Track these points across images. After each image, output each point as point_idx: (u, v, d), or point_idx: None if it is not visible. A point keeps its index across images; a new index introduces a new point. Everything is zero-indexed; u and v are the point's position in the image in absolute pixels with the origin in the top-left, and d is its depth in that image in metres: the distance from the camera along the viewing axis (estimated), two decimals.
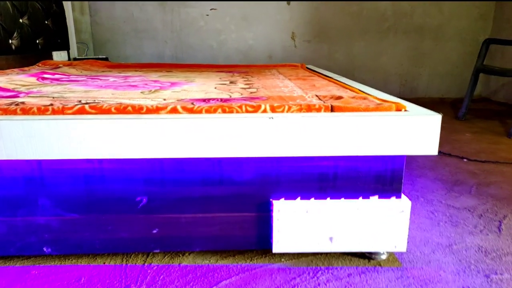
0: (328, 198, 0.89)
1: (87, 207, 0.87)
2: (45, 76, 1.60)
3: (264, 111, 0.84)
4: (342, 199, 0.88)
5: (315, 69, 2.06)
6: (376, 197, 0.89)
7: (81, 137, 0.78)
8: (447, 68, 3.38)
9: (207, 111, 0.83)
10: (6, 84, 1.34)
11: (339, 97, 0.99)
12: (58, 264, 0.91)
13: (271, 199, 0.88)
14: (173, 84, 1.43)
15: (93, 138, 0.78)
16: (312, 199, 0.88)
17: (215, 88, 1.30)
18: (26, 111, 0.82)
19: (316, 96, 1.02)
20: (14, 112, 0.82)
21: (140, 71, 2.04)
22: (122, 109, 0.83)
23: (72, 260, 0.93)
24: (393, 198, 0.89)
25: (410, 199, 1.16)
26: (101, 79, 1.58)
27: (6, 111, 0.82)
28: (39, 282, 0.85)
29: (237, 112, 0.83)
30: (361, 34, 3.27)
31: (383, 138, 0.80)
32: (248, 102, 0.91)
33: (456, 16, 3.24)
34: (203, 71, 2.07)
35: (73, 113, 0.82)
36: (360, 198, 0.89)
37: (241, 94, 1.14)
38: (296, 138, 0.80)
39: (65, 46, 2.58)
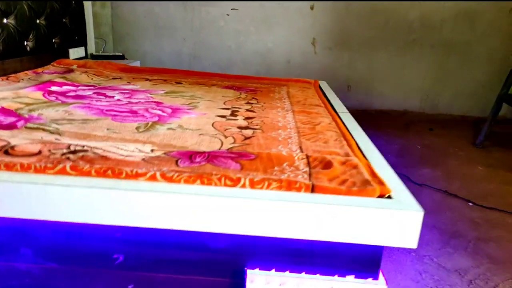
0: (304, 273, 0.88)
1: (66, 258, 0.89)
2: (52, 89, 1.62)
3: (243, 186, 0.83)
4: (318, 275, 0.87)
5: (326, 94, 2.01)
6: (352, 276, 0.88)
7: (59, 201, 0.79)
8: (472, 87, 3.24)
9: (186, 181, 0.83)
10: (10, 102, 1.37)
11: (328, 164, 0.97)
12: None
13: (245, 268, 0.88)
14: (174, 111, 1.42)
15: (70, 203, 0.79)
16: (287, 272, 0.88)
17: (212, 125, 1.28)
18: (10, 167, 0.83)
19: (306, 159, 1.00)
20: (4, 166, 0.84)
21: (150, 80, 2.04)
22: (102, 173, 0.83)
23: None
24: (370, 279, 0.87)
25: (401, 254, 1.14)
26: (106, 96, 1.59)
27: None
28: None
29: (216, 184, 0.82)
30: (384, 45, 3.16)
31: (359, 228, 0.78)
32: (231, 167, 0.90)
33: (488, 34, 3.07)
34: (213, 84, 2.05)
35: (54, 173, 0.83)
36: (336, 276, 0.87)
37: (234, 141, 1.13)
38: (271, 219, 0.79)
39: (83, 43, 2.60)
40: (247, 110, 1.52)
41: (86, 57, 2.67)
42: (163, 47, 3.21)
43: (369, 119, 3.23)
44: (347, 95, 3.28)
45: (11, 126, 1.14)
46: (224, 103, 1.61)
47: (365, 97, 3.31)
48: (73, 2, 2.43)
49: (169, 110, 1.44)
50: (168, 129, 1.21)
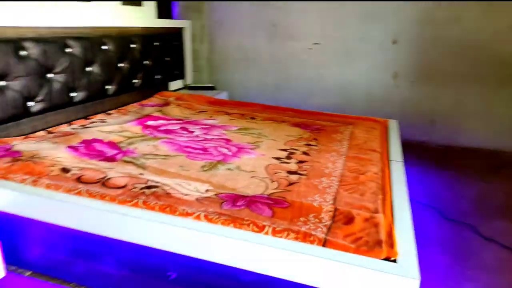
0: None
1: (135, 268, 1.17)
2: (149, 123, 1.99)
3: (266, 233, 1.00)
4: None
5: (390, 137, 2.04)
6: None
7: (131, 227, 1.06)
8: None
9: (223, 223, 1.03)
10: (116, 136, 1.75)
11: (351, 219, 1.09)
12: None
13: None
14: (238, 151, 1.65)
15: (138, 230, 1.06)
16: None
17: (266, 167, 1.48)
18: (103, 197, 1.14)
19: (332, 212, 1.13)
20: (95, 196, 1.15)
21: (229, 114, 2.32)
22: (163, 209, 1.09)
23: None
24: None
25: None
26: (188, 131, 1.90)
27: (90, 194, 1.16)
28: None
29: (245, 229, 1.02)
30: (474, 78, 3.00)
31: (357, 285, 0.89)
32: (263, 213, 1.08)
33: None
34: (283, 120, 2.24)
35: (131, 205, 1.11)
36: None
37: (278, 186, 1.31)
38: (282, 264, 0.95)
39: (181, 76, 3.04)
40: (303, 152, 1.68)
41: (184, 87, 3.11)
42: (250, 77, 3.53)
43: (453, 157, 3.07)
44: (430, 130, 3.18)
45: (112, 159, 1.49)
46: (284, 144, 1.79)
47: (451, 133, 3.16)
48: (175, 42, 2.88)
49: (235, 149, 1.67)
50: (227, 169, 1.44)
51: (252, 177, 1.38)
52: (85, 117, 2.01)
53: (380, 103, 3.24)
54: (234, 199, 1.18)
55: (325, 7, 3.16)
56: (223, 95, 3.05)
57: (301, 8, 3.22)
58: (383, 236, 1.01)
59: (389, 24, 3.06)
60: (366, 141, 1.90)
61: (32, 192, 1.17)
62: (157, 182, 1.26)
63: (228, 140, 1.79)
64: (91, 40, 1.99)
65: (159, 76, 2.70)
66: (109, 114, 2.14)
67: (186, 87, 3.09)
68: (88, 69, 1.99)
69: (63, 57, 1.82)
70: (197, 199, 1.16)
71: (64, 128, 1.82)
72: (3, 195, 1.18)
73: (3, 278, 1.29)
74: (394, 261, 0.92)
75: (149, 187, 1.22)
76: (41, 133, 1.72)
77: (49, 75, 1.75)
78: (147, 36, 2.48)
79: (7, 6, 1.57)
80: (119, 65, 2.24)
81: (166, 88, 2.84)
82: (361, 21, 3.11)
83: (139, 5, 2.42)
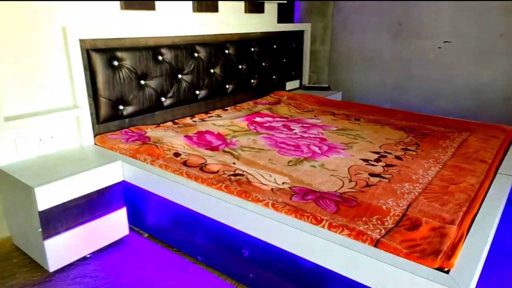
0: None
1: (218, 243, 1.37)
2: (256, 119, 2.20)
3: (323, 226, 1.07)
4: None
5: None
6: None
7: (215, 207, 1.26)
8: None
9: (286, 213, 1.14)
10: (224, 129, 2.00)
11: (417, 226, 1.06)
12: (203, 268, 1.48)
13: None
14: (328, 150, 1.71)
15: (219, 210, 1.25)
16: None
17: (349, 168, 1.51)
18: (196, 179, 1.37)
19: (400, 217, 1.11)
20: (191, 177, 1.39)
21: (335, 114, 2.36)
22: (239, 194, 1.25)
23: (208, 269, 1.47)
24: None
25: None
26: (289, 129, 2.03)
27: (189, 176, 1.40)
28: (191, 278, 1.43)
29: (304, 220, 1.10)
30: None
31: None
32: (327, 209, 1.15)
33: None
34: (389, 123, 2.18)
35: (216, 188, 1.31)
36: None
37: (354, 186, 1.34)
38: (334, 256, 1.00)
39: (298, 76, 3.18)
40: (396, 156, 1.64)
41: (300, 87, 3.25)
42: (370, 77, 3.44)
43: None
44: None
45: (215, 148, 1.73)
46: (380, 147, 1.77)
47: None
48: (294, 45, 3.04)
49: (325, 148, 1.74)
50: (311, 166, 1.53)
51: (332, 175, 1.44)
52: (206, 112, 2.33)
53: None
54: (305, 193, 1.27)
55: (459, 2, 2.88)
56: (336, 96, 3.08)
57: (431, 4, 3.00)
58: (445, 247, 0.97)
59: None
60: (479, 150, 1.73)
61: (149, 169, 1.48)
62: (244, 171, 1.44)
63: (323, 139, 1.86)
64: (215, 45, 2.30)
65: (276, 77, 2.90)
66: (226, 110, 2.43)
67: (303, 87, 3.22)
68: (211, 70, 2.30)
69: (191, 61, 2.16)
70: (272, 189, 1.29)
71: (187, 120, 2.17)
72: (130, 169, 1.53)
73: (127, 235, 1.66)
74: (448, 272, 0.88)
75: (235, 175, 1.40)
76: (169, 123, 2.09)
77: (179, 76, 2.11)
78: (266, 39, 2.71)
79: (150, 22, 1.96)
80: (238, 66, 2.51)
81: (282, 87, 3.03)
82: (502, 15, 2.73)
83: (262, 12, 2.65)
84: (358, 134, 1.97)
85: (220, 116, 2.27)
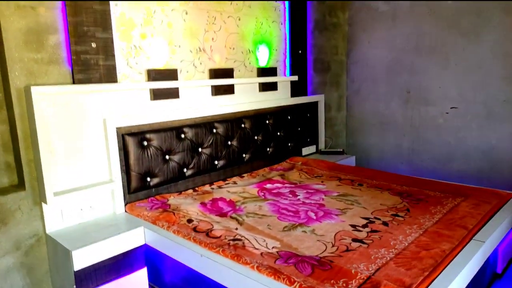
0: None
1: None
2: (266, 186, 2.46)
3: (295, 287, 1.27)
4: None
5: (500, 213, 1.89)
6: None
7: (210, 267, 1.51)
8: None
9: (267, 275, 1.36)
10: (236, 196, 2.28)
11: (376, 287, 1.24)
12: None
13: None
14: (323, 216, 1.91)
15: (215, 270, 1.49)
16: None
17: (336, 233, 1.70)
18: (200, 243, 1.63)
19: (363, 280, 1.29)
20: (197, 242, 1.65)
21: (341, 180, 2.57)
22: (232, 258, 1.49)
23: None
24: None
25: None
26: (294, 195, 2.26)
27: (195, 240, 1.66)
28: None
29: (281, 282, 1.31)
30: None
31: None
32: (303, 272, 1.35)
33: None
34: (389, 188, 2.35)
35: (215, 252, 1.56)
36: None
37: (335, 250, 1.53)
38: None
39: (314, 142, 3.45)
40: (383, 222, 1.81)
41: (316, 152, 3.50)
42: (385, 140, 3.62)
43: None
44: None
45: (224, 214, 2.00)
46: (372, 212, 1.95)
47: None
48: (308, 114, 3.35)
49: (321, 214, 1.95)
50: (303, 231, 1.74)
51: (318, 240, 1.64)
52: (224, 179, 2.64)
53: None
54: (289, 256, 1.48)
55: (462, 70, 3.09)
56: (350, 160, 3.28)
57: (436, 73, 3.23)
58: None
59: None
60: (465, 216, 1.85)
61: (165, 234, 1.76)
62: (242, 236, 1.68)
63: (321, 205, 2.08)
64: (232, 121, 2.65)
65: (291, 144, 3.18)
66: (242, 177, 2.72)
67: (319, 151, 3.47)
68: (228, 143, 2.64)
69: (210, 136, 2.51)
70: (261, 253, 1.52)
71: (206, 187, 2.48)
72: (150, 234, 1.83)
73: None
74: None
75: (234, 240, 1.65)
76: (190, 191, 2.41)
77: (199, 149, 2.46)
78: (281, 112, 3.04)
79: (175, 107, 2.36)
80: (254, 137, 2.83)
81: (299, 153, 3.30)
82: (505, 82, 2.90)
83: (275, 89, 3.02)
84: (356, 199, 2.16)
85: (236, 183, 2.56)
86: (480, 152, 3.09)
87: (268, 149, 2.97)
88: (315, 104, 3.41)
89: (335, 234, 1.70)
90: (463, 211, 1.92)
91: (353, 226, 1.78)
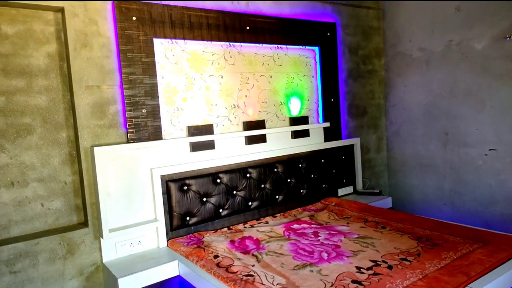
0: None
1: None
2: (293, 226, 2.69)
3: None
4: None
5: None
6: None
7: None
8: None
9: None
10: (263, 235, 2.54)
11: None
12: None
13: None
14: (335, 257, 2.09)
15: None
16: None
17: (338, 275, 1.87)
18: (217, 276, 1.92)
19: None
20: (216, 276, 1.94)
21: (367, 221, 2.69)
22: None
23: None
24: None
25: None
26: (316, 236, 2.46)
27: (214, 274, 1.96)
28: None
29: None
30: None
31: None
32: None
33: None
34: (412, 231, 2.43)
35: (228, 285, 1.83)
36: None
37: None
38: None
39: (351, 183, 3.60)
40: (389, 266, 1.94)
41: (354, 192, 3.62)
42: (427, 181, 3.62)
43: None
44: None
45: (248, 252, 2.27)
46: (382, 256, 2.08)
47: None
48: (343, 157, 3.52)
49: (333, 255, 2.13)
50: (310, 270, 1.95)
51: (321, 279, 1.83)
52: (257, 219, 2.92)
53: None
54: None
55: (498, 113, 3.08)
56: (386, 201, 3.36)
57: (473, 116, 3.25)
58: None
59: None
60: (474, 262, 1.91)
61: (193, 268, 2.09)
62: (255, 273, 1.94)
63: (337, 247, 2.25)
64: (265, 166, 2.96)
65: (326, 185, 3.38)
66: (275, 217, 2.98)
67: (356, 192, 3.60)
68: (262, 185, 2.94)
69: (244, 180, 2.84)
70: None
71: (240, 226, 2.78)
72: (183, 267, 2.17)
73: None
74: None
75: (247, 275, 1.92)
76: (225, 229, 2.73)
77: (234, 192, 2.79)
78: (314, 156, 3.28)
79: (211, 156, 2.74)
80: (287, 180, 3.10)
81: (334, 193, 3.47)
82: None
83: (307, 136, 3.28)
84: (373, 242, 2.29)
85: (268, 223, 2.83)
86: None
87: (301, 190, 3.20)
88: (350, 147, 3.58)
89: (338, 275, 1.87)
90: (474, 258, 1.96)
91: (358, 268, 1.94)
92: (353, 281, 1.80)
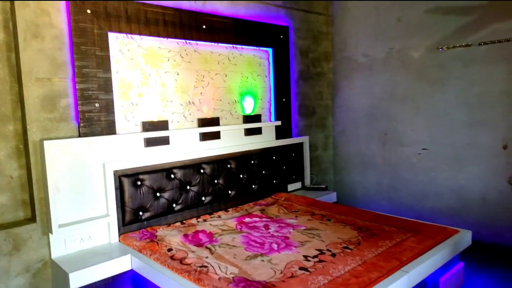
0: None
1: None
2: (245, 220, 2.79)
3: None
4: None
5: (437, 249, 2.15)
6: None
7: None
8: None
9: None
10: (216, 228, 2.62)
11: None
12: None
13: None
14: (285, 247, 2.23)
15: None
16: None
17: (288, 263, 2.01)
18: (171, 268, 1.97)
19: None
20: (170, 268, 1.99)
21: (313, 215, 2.87)
22: (194, 281, 1.82)
23: None
24: None
25: None
26: (266, 228, 2.59)
27: (169, 266, 2.01)
28: None
29: None
30: None
31: None
32: None
33: None
34: (353, 223, 2.63)
35: (182, 276, 1.90)
36: None
37: (281, 277, 1.84)
38: None
39: (300, 179, 3.78)
40: (332, 254, 2.11)
41: (302, 188, 3.81)
42: (368, 178, 3.91)
43: None
44: None
45: (201, 245, 2.34)
46: (326, 245, 2.25)
47: None
48: (293, 154, 3.70)
49: (283, 245, 2.26)
50: (261, 260, 2.06)
51: (271, 268, 1.96)
52: (210, 213, 2.99)
53: (497, 209, 3.08)
54: (241, 281, 1.81)
55: (432, 116, 3.41)
56: (331, 195, 3.58)
57: (409, 118, 3.56)
58: None
59: (498, 129, 3.05)
60: (406, 249, 2.13)
61: (146, 261, 2.12)
62: (209, 264, 2.02)
63: (286, 238, 2.39)
64: (218, 162, 3.04)
65: (276, 181, 3.52)
66: (227, 211, 3.07)
67: (304, 187, 3.79)
68: (215, 181, 3.02)
69: (198, 175, 2.90)
70: (219, 278, 1.85)
71: (193, 220, 2.83)
72: (136, 261, 2.19)
73: None
74: None
75: (201, 266, 1.99)
76: (178, 223, 2.77)
77: (187, 187, 2.84)
78: (265, 153, 3.41)
79: (166, 152, 2.77)
80: (240, 176, 3.20)
81: (284, 189, 3.63)
82: (469, 127, 3.19)
83: (260, 133, 3.41)
84: (319, 233, 2.46)
85: (220, 217, 2.91)
86: (450, 191, 3.34)
87: (253, 186, 3.32)
88: (300, 145, 3.77)
89: (287, 263, 2.01)
90: (407, 245, 2.19)
91: (305, 256, 2.09)
92: (300, 268, 1.94)
